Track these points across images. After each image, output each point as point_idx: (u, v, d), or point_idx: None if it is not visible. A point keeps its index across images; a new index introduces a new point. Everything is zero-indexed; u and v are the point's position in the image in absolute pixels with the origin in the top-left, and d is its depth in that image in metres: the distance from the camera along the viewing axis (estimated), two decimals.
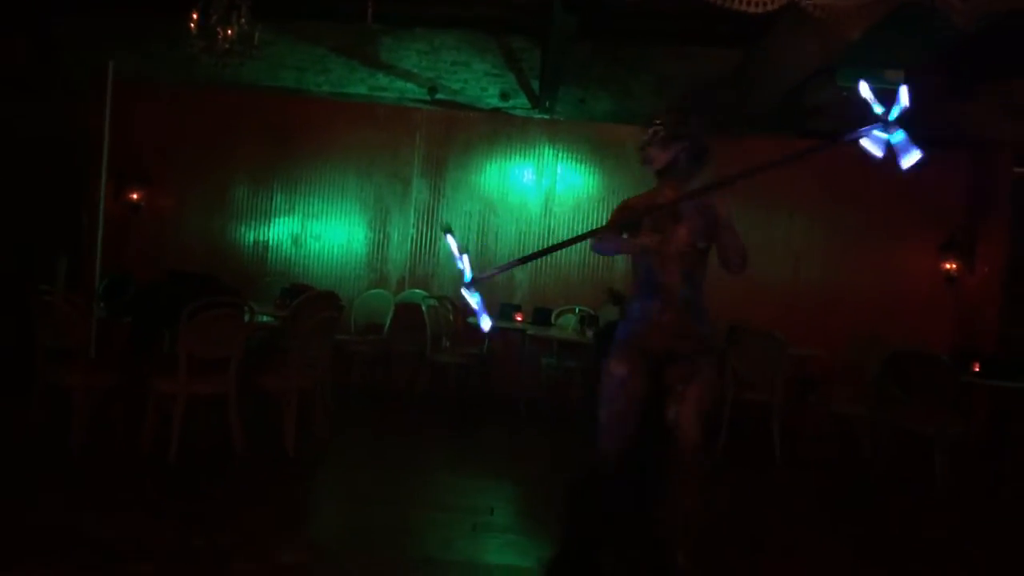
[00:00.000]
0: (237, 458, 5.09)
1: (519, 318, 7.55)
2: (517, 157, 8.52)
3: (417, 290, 8.28)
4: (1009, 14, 4.84)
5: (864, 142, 2.91)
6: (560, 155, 8.50)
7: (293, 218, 8.47)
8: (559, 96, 8.37)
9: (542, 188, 8.46)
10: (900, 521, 5.30)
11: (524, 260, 3.24)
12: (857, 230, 8.37)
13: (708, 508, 3.44)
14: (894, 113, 2.85)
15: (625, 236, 3.40)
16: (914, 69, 6.15)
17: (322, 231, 8.46)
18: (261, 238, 8.46)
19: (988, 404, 7.51)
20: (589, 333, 6.73)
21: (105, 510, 4.19)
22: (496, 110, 8.48)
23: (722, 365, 3.31)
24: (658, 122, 3.39)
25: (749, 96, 7.96)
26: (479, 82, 8.58)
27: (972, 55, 6.90)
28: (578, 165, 8.49)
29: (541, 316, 7.53)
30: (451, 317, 7.88)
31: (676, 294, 3.33)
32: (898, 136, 2.86)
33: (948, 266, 8.25)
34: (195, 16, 6.13)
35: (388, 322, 8.00)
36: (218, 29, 6.16)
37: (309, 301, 5.81)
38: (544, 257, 8.35)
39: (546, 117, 8.51)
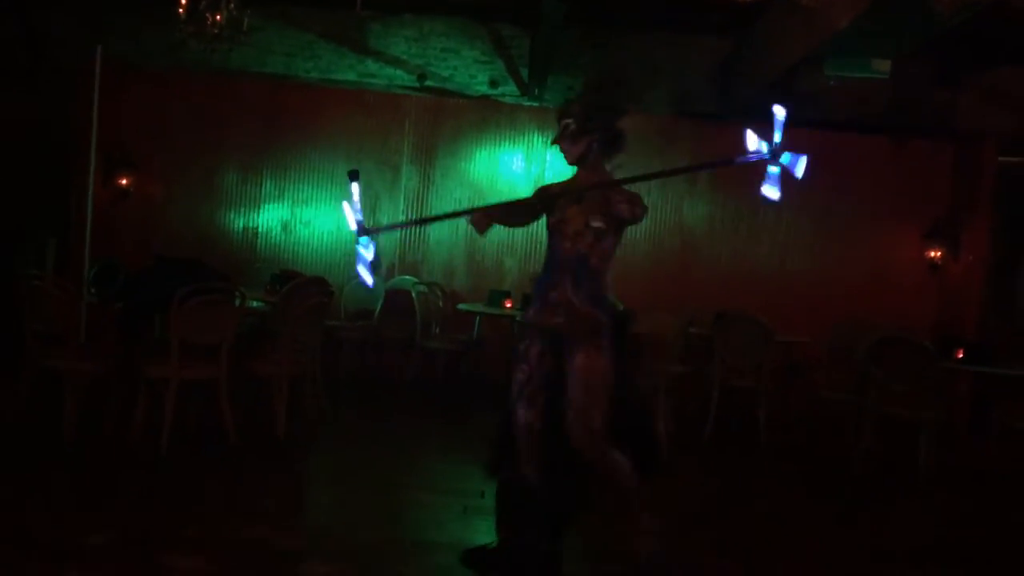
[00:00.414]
0: (229, 443, 5.11)
1: (508, 304, 7.58)
2: (506, 144, 8.54)
3: (407, 276, 8.31)
4: (993, 5, 4.90)
5: (764, 189, 3.05)
6: (549, 142, 8.50)
7: (282, 204, 8.47)
8: (548, 84, 8.39)
9: (531, 175, 8.49)
10: (883, 506, 5.39)
11: (420, 222, 3.42)
12: (843, 219, 8.45)
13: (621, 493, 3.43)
14: (785, 159, 3.04)
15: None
16: (900, 58, 6.21)
17: (311, 217, 8.46)
18: (251, 224, 8.46)
19: (971, 389, 7.62)
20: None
21: (98, 496, 4.21)
22: (485, 97, 8.49)
23: (618, 349, 3.21)
24: (567, 119, 3.43)
25: (738, 84, 8.01)
26: (468, 69, 8.59)
27: (957, 45, 6.98)
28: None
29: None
30: (440, 303, 7.91)
31: (567, 273, 3.35)
32: (785, 159, 3.03)
33: (932, 254, 8.34)
34: (184, 1, 6.12)
35: (378, 309, 8.02)
36: (207, 14, 6.15)
37: (299, 287, 5.83)
38: (531, 244, 8.40)
39: (535, 104, 8.53)
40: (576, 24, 7.73)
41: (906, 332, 6.68)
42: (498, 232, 8.44)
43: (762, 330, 6.41)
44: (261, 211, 8.44)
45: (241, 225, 8.44)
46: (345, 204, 3.18)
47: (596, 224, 3.35)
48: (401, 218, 8.47)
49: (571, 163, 3.53)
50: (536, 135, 8.48)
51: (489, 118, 8.51)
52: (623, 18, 8.05)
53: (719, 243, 8.50)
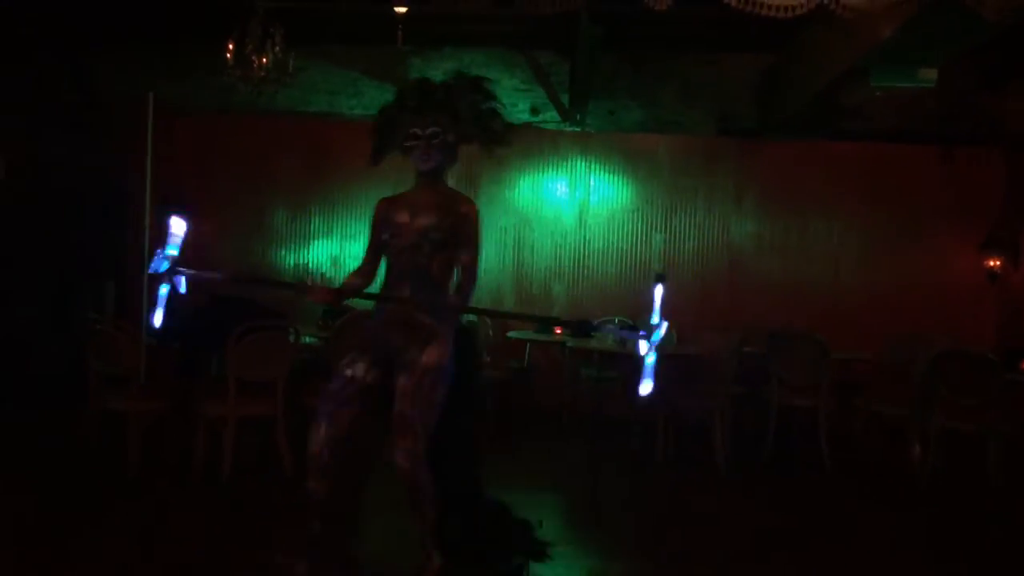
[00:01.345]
0: (286, 476, 5.16)
1: (559, 331, 7.57)
2: (550, 171, 8.56)
3: None
4: None
5: (641, 387, 2.91)
6: (592, 167, 8.53)
7: (331, 240, 8.58)
8: (589, 108, 8.42)
9: (576, 200, 8.50)
10: (954, 522, 5.22)
11: (234, 278, 3.37)
12: (895, 231, 8.30)
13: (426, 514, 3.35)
14: (656, 337, 2.91)
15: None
16: (947, 66, 6.10)
17: (360, 252, 8.52)
18: (301, 260, 8.58)
19: None
20: (629, 343, 6.70)
21: (162, 532, 4.27)
22: (527, 125, 8.54)
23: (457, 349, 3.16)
24: (437, 128, 3.31)
25: (781, 99, 7.94)
26: (509, 98, 8.65)
27: (1004, 50, 6.85)
28: (610, 176, 8.52)
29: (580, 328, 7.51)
30: (490, 332, 7.92)
31: (403, 287, 3.28)
32: (650, 359, 2.89)
33: (991, 263, 8.14)
34: (231, 46, 6.28)
35: None
36: (253, 57, 6.31)
37: (350, 321, 5.89)
38: (578, 269, 8.39)
39: (577, 129, 8.56)
40: (614, 48, 7.76)
41: (966, 344, 6.53)
42: (545, 258, 8.46)
43: (819, 347, 6.29)
44: (310, 247, 8.56)
45: (292, 262, 8.57)
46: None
47: (435, 236, 3.29)
48: None
49: (423, 169, 3.38)
50: (579, 160, 8.50)
51: (532, 145, 8.55)
52: (661, 39, 8.06)
53: (768, 260, 8.40)
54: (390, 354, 3.24)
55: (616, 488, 5.63)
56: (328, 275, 8.55)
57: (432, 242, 3.25)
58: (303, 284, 3.46)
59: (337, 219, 8.56)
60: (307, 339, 5.94)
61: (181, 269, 2.99)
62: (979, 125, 8.01)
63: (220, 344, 5.08)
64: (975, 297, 8.19)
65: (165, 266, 2.93)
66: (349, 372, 3.27)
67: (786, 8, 3.87)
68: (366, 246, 3.54)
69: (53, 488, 4.96)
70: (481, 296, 8.46)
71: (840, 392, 6.64)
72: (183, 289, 3.08)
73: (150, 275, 2.98)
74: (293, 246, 8.57)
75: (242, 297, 5.94)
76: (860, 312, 8.05)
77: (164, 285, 2.97)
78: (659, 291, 2.94)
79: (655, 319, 2.90)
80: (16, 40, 7.68)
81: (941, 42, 5.54)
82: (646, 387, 2.87)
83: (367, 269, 3.54)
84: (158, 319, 2.97)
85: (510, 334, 7.82)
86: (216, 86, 7.11)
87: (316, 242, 8.57)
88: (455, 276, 3.43)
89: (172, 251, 2.98)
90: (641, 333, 2.88)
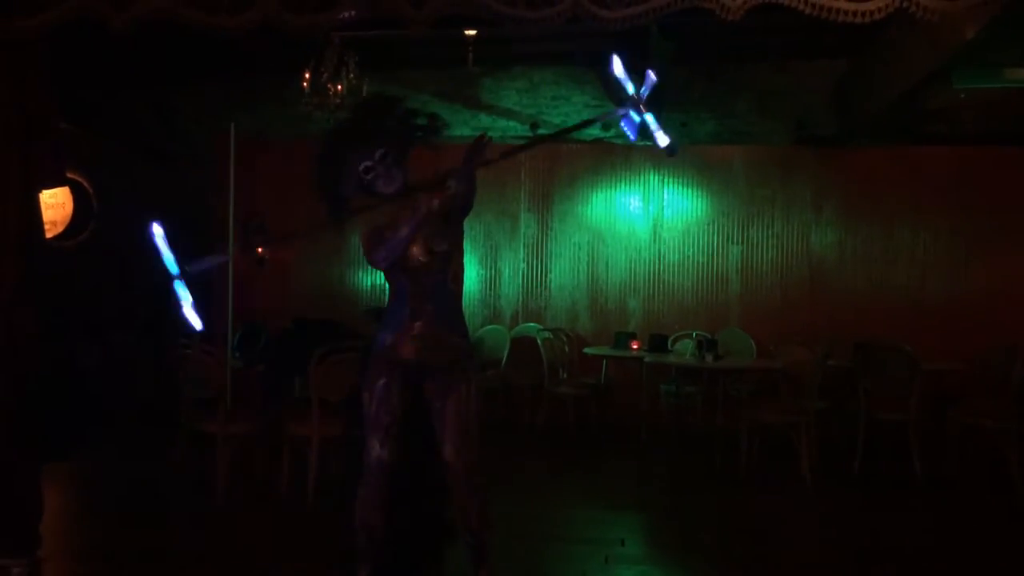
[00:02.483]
0: None
1: (635, 346, 7.51)
2: (622, 185, 8.52)
3: (531, 323, 8.35)
4: None
5: (624, 126, 2.80)
6: (666, 180, 8.45)
7: None
8: (661, 122, 8.36)
9: (649, 215, 8.43)
10: None
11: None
12: (986, 236, 7.98)
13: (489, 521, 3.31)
14: (644, 93, 2.77)
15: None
16: None
17: None
18: (378, 281, 8.71)
19: None
20: (708, 357, 6.62)
21: (251, 553, 4.37)
22: (598, 141, 8.53)
23: (475, 380, 3.06)
24: (382, 149, 3.16)
25: (860, 105, 7.75)
26: (580, 114, 8.67)
27: None
28: (684, 189, 8.43)
29: (657, 343, 7.46)
30: (566, 348, 7.90)
31: (427, 302, 3.17)
32: (649, 117, 2.76)
33: None
34: (307, 75, 6.45)
35: (505, 357, 8.09)
36: (329, 86, 6.47)
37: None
38: (653, 283, 8.31)
39: (649, 144, 8.49)
40: (685, 60, 7.69)
41: None
42: (620, 272, 8.41)
43: (908, 359, 6.08)
44: (366, 270, 8.67)
45: (369, 283, 8.72)
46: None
47: (441, 248, 3.18)
48: (522, 266, 8.54)
49: (390, 191, 3.20)
50: (652, 174, 8.44)
51: (603, 161, 8.53)
52: (733, 50, 7.96)
53: (851, 270, 8.18)
54: (424, 373, 3.22)
55: (699, 505, 5.54)
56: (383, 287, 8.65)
57: (441, 255, 3.20)
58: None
59: None
60: None
61: (187, 267, 3.06)
62: None
63: (303, 366, 5.19)
64: None
65: (175, 270, 3.01)
66: (392, 396, 3.22)
67: (863, 13, 3.77)
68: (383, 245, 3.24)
69: (144, 511, 5.13)
70: (557, 312, 8.48)
71: (932, 405, 6.40)
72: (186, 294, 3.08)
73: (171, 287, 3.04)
74: (369, 268, 8.69)
75: (323, 319, 6.07)
76: (950, 321, 7.75)
77: (177, 283, 3.04)
78: (617, 63, 2.91)
79: (630, 88, 2.84)
80: (105, 79, 8.03)
81: None
82: (663, 138, 2.82)
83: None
84: (196, 322, 3.02)
85: (587, 350, 7.79)
86: (293, 115, 7.30)
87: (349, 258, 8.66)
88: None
89: (168, 260, 3.04)
90: (626, 108, 2.84)
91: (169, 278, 3.01)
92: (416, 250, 3.17)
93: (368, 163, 3.17)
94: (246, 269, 8.39)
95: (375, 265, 3.28)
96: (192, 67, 8.30)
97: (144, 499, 5.37)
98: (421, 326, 3.17)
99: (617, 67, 2.88)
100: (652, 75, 2.80)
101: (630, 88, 2.84)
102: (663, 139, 2.81)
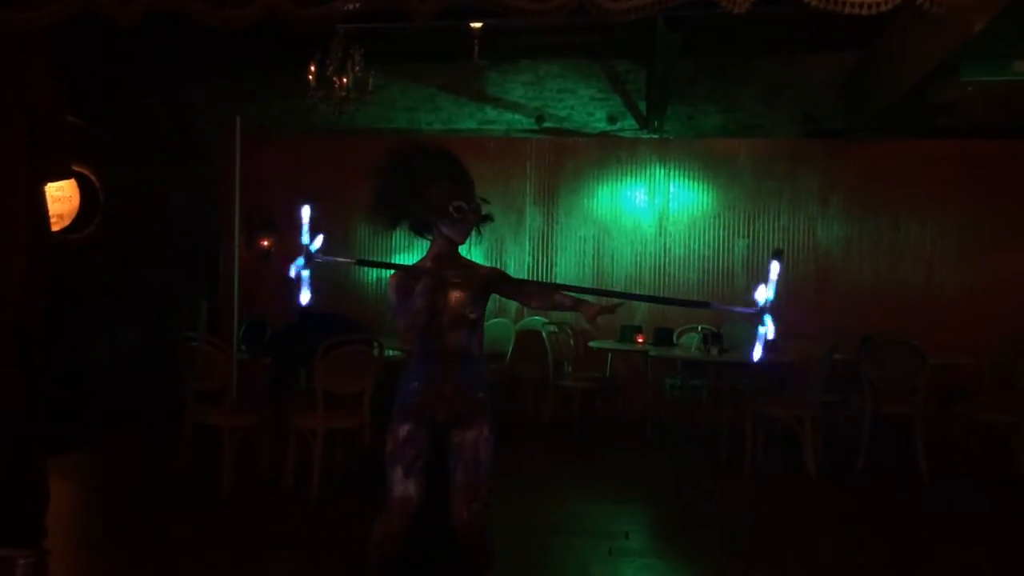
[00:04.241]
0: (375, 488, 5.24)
1: (640, 339, 7.50)
2: (628, 179, 8.51)
3: (537, 317, 8.35)
4: None
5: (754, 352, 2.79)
6: (672, 173, 8.43)
7: (413, 254, 8.69)
8: (667, 115, 8.35)
9: (655, 208, 8.41)
10: None
11: (361, 263, 3.17)
12: (993, 229, 7.94)
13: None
14: (770, 295, 2.77)
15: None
16: None
17: None
18: (384, 275, 8.73)
19: None
20: (714, 351, 6.61)
21: (257, 545, 4.39)
22: (604, 134, 8.52)
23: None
24: (480, 203, 3.16)
25: (867, 98, 7.72)
26: (585, 107, 8.66)
27: None
28: (690, 182, 8.41)
29: (663, 336, 7.45)
30: (572, 342, 7.90)
31: (454, 367, 3.14)
32: (763, 329, 2.76)
33: None
34: (313, 68, 6.45)
35: (510, 350, 8.09)
36: (334, 79, 6.46)
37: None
38: (659, 276, 8.30)
39: (655, 136, 8.49)
40: (692, 53, 7.67)
41: None
42: (625, 266, 8.40)
43: (914, 353, 6.06)
44: (393, 261, 8.68)
45: (375, 276, 8.73)
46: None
47: (473, 316, 3.14)
48: (527, 259, 8.54)
49: (461, 242, 3.20)
50: (658, 167, 8.42)
51: (609, 154, 8.51)
52: (740, 43, 7.93)
53: (858, 263, 8.15)
54: (447, 421, 3.19)
55: (704, 498, 5.54)
56: None
57: (472, 323, 3.17)
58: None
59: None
60: (390, 352, 6.02)
61: (317, 258, 3.04)
62: None
63: (308, 358, 5.20)
64: None
65: (301, 262, 3.00)
66: (414, 437, 3.17)
67: (870, 5, 3.75)
68: (405, 311, 3.15)
69: (150, 503, 5.15)
70: None
71: (938, 399, 6.39)
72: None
73: (291, 277, 3.03)
74: (376, 260, 8.71)
75: (328, 312, 6.07)
76: (957, 315, 7.73)
77: (304, 271, 3.03)
78: (775, 268, 2.83)
79: (771, 293, 2.82)
80: (112, 73, 8.05)
81: None
82: (757, 352, 2.82)
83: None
84: (305, 297, 3.02)
85: (592, 344, 7.78)
86: (299, 108, 7.31)
87: (398, 257, 8.70)
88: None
89: (305, 239, 3.02)
90: (754, 310, 2.84)
91: (305, 260, 2.93)
92: (454, 312, 3.14)
93: (464, 204, 3.13)
94: (252, 262, 8.41)
95: (399, 331, 3.25)
96: (199, 60, 8.31)
97: (150, 491, 5.39)
98: (450, 389, 3.15)
99: (774, 270, 2.84)
100: (774, 271, 2.82)
101: (771, 292, 2.80)
102: (757, 352, 2.83)
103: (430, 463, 3.19)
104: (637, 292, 8.14)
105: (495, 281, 3.24)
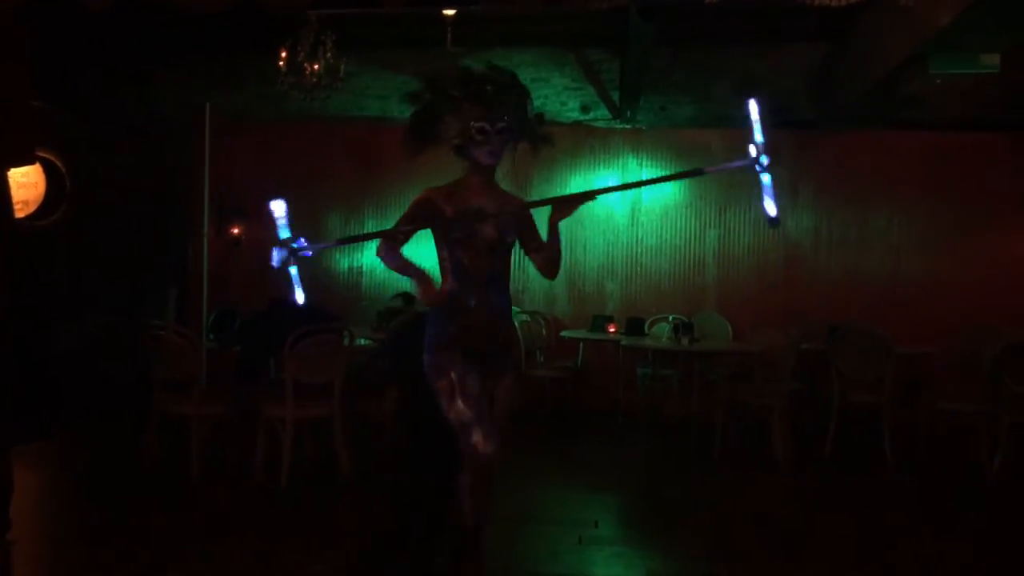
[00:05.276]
0: (344, 477, 5.23)
1: (612, 329, 7.53)
2: (601, 168, 8.52)
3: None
4: None
5: (766, 205, 2.79)
6: (644, 164, 8.46)
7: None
8: (640, 105, 8.35)
9: (627, 197, 8.43)
10: (1022, 523, 5.06)
11: (342, 242, 3.24)
12: (959, 220, 8.06)
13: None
14: (759, 138, 2.75)
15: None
16: (1010, 51, 5.91)
17: (413, 253, 8.58)
18: (355, 264, 8.69)
19: None
20: (684, 341, 6.66)
21: (221, 531, 4.36)
22: (578, 123, 8.51)
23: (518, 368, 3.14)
24: (503, 124, 3.14)
25: (837, 90, 7.78)
26: (559, 96, 8.63)
27: None
28: (663, 172, 8.43)
29: (634, 326, 7.48)
30: (543, 331, 7.92)
31: (487, 292, 3.15)
32: (766, 179, 2.76)
33: None
34: (284, 54, 6.38)
35: None
36: (305, 65, 6.40)
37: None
38: (631, 266, 8.33)
39: (628, 127, 8.50)
40: (665, 43, 7.67)
41: None
42: (597, 256, 8.42)
43: (880, 342, 6.15)
44: (365, 250, 8.65)
45: (346, 265, 8.69)
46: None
47: (510, 239, 3.18)
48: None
49: (488, 167, 3.21)
50: (631, 157, 8.44)
51: (583, 143, 8.52)
52: (712, 33, 7.94)
53: (826, 254, 8.24)
54: (484, 358, 3.18)
55: (674, 487, 5.59)
56: (382, 277, 8.63)
57: (507, 246, 3.19)
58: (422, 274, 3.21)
59: (390, 221, 8.61)
60: (361, 341, 6.00)
61: (300, 246, 3.01)
62: None
63: (278, 348, 5.17)
64: None
65: (283, 254, 2.97)
66: (473, 381, 3.11)
67: None
68: (400, 223, 3.30)
69: (117, 493, 5.10)
70: (534, 295, 8.48)
71: (904, 388, 6.48)
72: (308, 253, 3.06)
73: (275, 267, 3.01)
74: (348, 249, 8.67)
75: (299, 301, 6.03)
76: (923, 305, 7.84)
77: (292, 267, 3.01)
78: (754, 107, 2.81)
79: (759, 136, 2.81)
80: (79, 56, 7.91)
81: (1003, 27, 5.38)
82: (771, 207, 2.81)
83: (401, 241, 3.39)
84: (300, 296, 3.02)
85: (563, 333, 7.81)
86: (270, 94, 7.21)
87: (371, 244, 8.65)
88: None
89: (284, 234, 2.99)
90: (747, 162, 2.82)
91: (288, 254, 2.94)
92: (491, 238, 3.15)
93: (487, 125, 3.12)
94: (222, 250, 8.33)
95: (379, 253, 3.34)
96: (169, 45, 8.18)
97: (117, 481, 5.34)
98: (486, 316, 3.14)
99: (753, 110, 2.82)
100: (753, 111, 2.75)
101: (759, 136, 2.76)
102: (771, 208, 2.78)
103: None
104: (609, 274, 8.18)
105: (525, 216, 3.24)
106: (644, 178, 8.37)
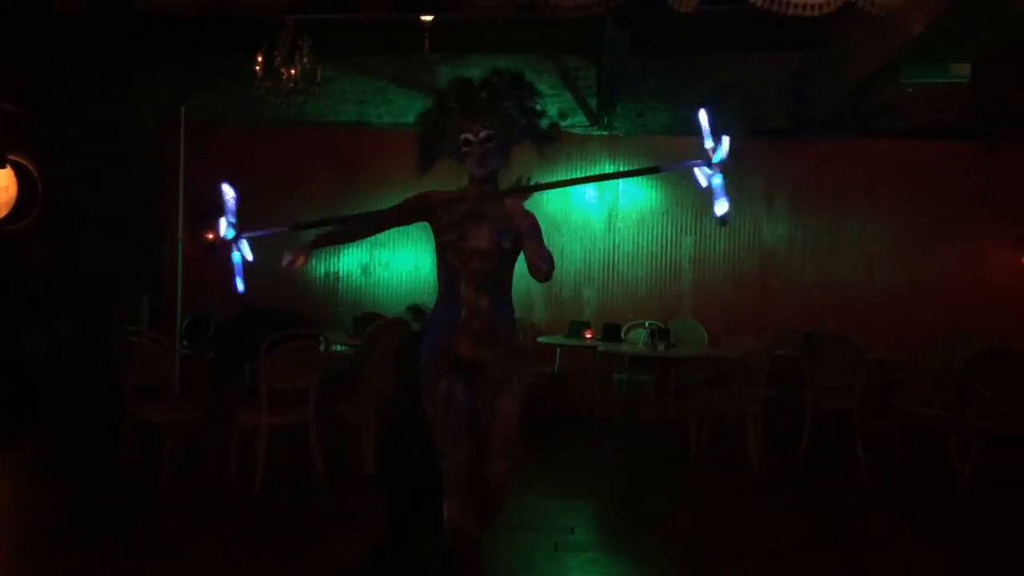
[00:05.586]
0: (319, 485, 5.20)
1: (589, 335, 7.54)
2: (578, 175, 8.52)
3: None
4: None
5: (716, 206, 2.81)
6: (621, 170, 8.48)
7: (361, 248, 8.62)
8: (617, 112, 8.40)
9: (605, 204, 8.46)
10: (994, 526, 5.11)
11: (297, 227, 3.25)
12: (931, 228, 8.15)
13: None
14: (717, 157, 2.75)
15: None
16: (980, 61, 6.00)
17: (390, 259, 8.60)
18: (331, 269, 8.65)
19: None
20: (661, 346, 6.69)
21: (194, 539, 4.32)
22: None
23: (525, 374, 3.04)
24: (490, 131, 3.10)
25: (811, 98, 7.86)
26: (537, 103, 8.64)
27: None
28: (639, 179, 8.47)
29: (611, 332, 7.50)
30: (521, 337, 7.90)
31: (481, 298, 3.08)
32: (717, 180, 2.76)
33: None
34: (260, 58, 6.35)
35: None
36: (282, 70, 6.38)
37: (381, 329, 5.92)
38: (608, 272, 8.35)
39: (605, 133, 8.53)
40: (641, 51, 7.72)
41: (1005, 342, 6.41)
42: (575, 262, 8.44)
43: (853, 349, 6.21)
44: (341, 256, 8.62)
45: (323, 271, 8.64)
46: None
47: (506, 245, 3.10)
48: None
49: (480, 178, 3.17)
50: (608, 163, 8.46)
51: (559, 149, 8.50)
52: (688, 41, 8.01)
53: (801, 261, 8.30)
54: (480, 368, 3.11)
55: (649, 492, 5.60)
56: (358, 283, 8.60)
57: (503, 252, 3.11)
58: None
59: None
60: (337, 347, 5.98)
61: (247, 233, 3.01)
62: (1015, 120, 7.85)
63: (252, 354, 5.13)
64: (1013, 294, 8.01)
65: (231, 234, 2.97)
66: (457, 395, 3.09)
67: (812, 6, 3.83)
68: (381, 210, 3.33)
69: (89, 499, 5.04)
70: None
71: (876, 393, 6.54)
72: (250, 256, 3.06)
73: (220, 247, 2.99)
74: (324, 255, 8.62)
75: (273, 307, 6.00)
76: (896, 312, 7.92)
77: (235, 253, 3.00)
78: (703, 116, 2.82)
79: (708, 143, 2.81)
80: (52, 59, 7.83)
81: (973, 38, 5.46)
82: (721, 207, 2.81)
83: (362, 228, 3.42)
84: (240, 285, 3.00)
85: (540, 339, 7.81)
86: (246, 99, 7.18)
87: (346, 250, 8.62)
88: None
89: (231, 219, 2.99)
90: (699, 162, 2.83)
91: (230, 240, 3.00)
92: (478, 240, 3.09)
93: (469, 136, 3.10)
94: (196, 255, 8.26)
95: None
96: (143, 48, 8.13)
97: (89, 487, 5.27)
98: (479, 324, 3.07)
99: (703, 119, 2.82)
100: (727, 142, 2.77)
101: (708, 142, 2.78)
102: (721, 207, 2.79)
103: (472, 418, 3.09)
104: (586, 280, 8.21)
105: (524, 223, 3.09)
106: (620, 186, 8.42)
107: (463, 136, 3.11)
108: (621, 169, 8.45)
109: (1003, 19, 4.92)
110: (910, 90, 6.35)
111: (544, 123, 3.24)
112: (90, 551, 4.11)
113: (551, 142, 3.26)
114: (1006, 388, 5.59)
